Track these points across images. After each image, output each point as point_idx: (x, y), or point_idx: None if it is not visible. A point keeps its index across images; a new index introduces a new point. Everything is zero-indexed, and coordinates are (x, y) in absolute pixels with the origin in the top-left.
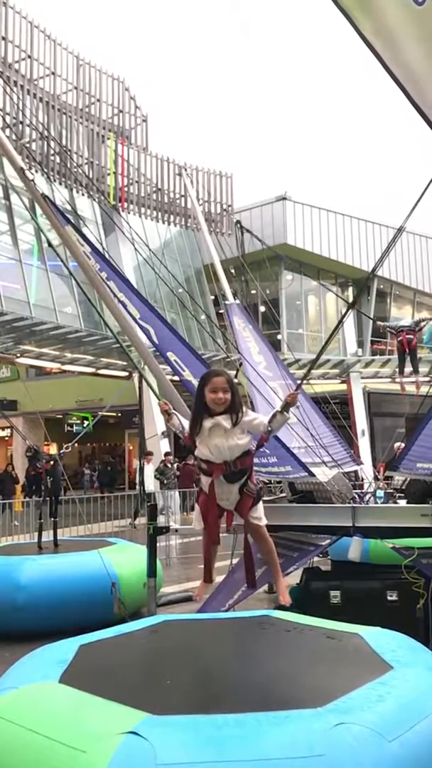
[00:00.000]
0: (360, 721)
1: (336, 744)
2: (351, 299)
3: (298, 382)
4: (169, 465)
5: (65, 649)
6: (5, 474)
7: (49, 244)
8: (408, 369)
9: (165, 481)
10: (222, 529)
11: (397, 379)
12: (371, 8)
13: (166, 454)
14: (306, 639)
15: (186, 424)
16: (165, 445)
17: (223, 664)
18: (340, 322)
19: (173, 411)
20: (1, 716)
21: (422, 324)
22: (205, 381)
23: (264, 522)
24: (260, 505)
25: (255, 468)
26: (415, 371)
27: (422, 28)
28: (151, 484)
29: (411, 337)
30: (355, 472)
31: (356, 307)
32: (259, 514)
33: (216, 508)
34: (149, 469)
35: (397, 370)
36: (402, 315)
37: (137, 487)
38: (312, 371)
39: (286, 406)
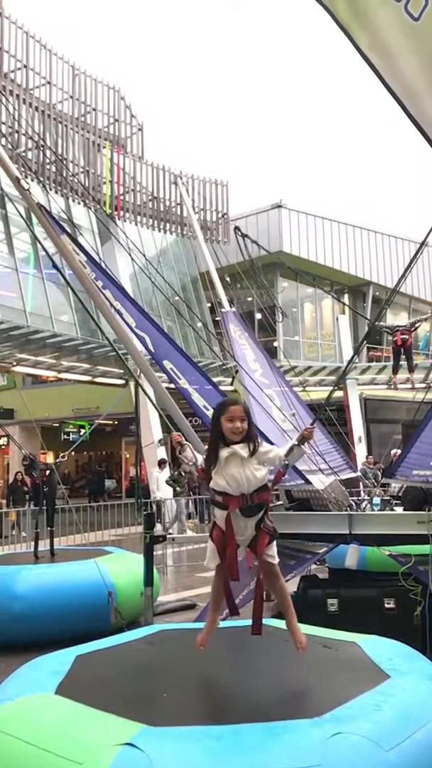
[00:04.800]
0: (357, 730)
1: (333, 754)
2: (346, 306)
3: (313, 417)
4: (183, 473)
5: (62, 659)
6: (14, 483)
7: (48, 254)
8: (403, 376)
9: (178, 489)
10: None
11: (392, 380)
12: (368, 23)
13: (179, 462)
14: None
15: (199, 456)
16: (162, 453)
17: (219, 674)
18: (364, 339)
19: (186, 443)
20: None
21: (417, 324)
22: (221, 410)
23: (277, 560)
24: (274, 543)
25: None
26: (410, 370)
27: (418, 42)
28: (164, 491)
29: (406, 336)
30: (375, 474)
31: (360, 313)
32: (273, 552)
33: (234, 543)
34: (163, 476)
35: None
36: (398, 322)
37: (152, 494)
38: (308, 378)
39: (303, 439)
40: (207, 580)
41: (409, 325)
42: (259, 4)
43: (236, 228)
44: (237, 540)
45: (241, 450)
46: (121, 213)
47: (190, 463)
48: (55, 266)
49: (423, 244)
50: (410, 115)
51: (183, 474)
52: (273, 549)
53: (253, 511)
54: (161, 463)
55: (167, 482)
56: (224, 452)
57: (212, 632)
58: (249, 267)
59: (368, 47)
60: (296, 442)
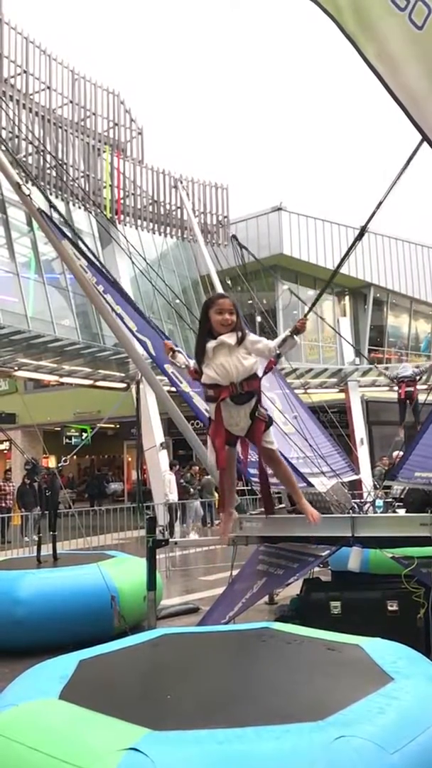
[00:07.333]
0: (361, 733)
1: (337, 757)
2: (347, 308)
3: (306, 310)
4: (194, 474)
5: (65, 664)
6: (23, 486)
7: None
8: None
9: (192, 490)
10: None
11: (399, 433)
12: (374, 33)
13: (191, 464)
14: (306, 651)
15: (191, 360)
16: (164, 456)
17: (223, 677)
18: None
19: (178, 349)
20: (0, 734)
21: (422, 375)
22: (210, 303)
23: (276, 446)
24: (271, 430)
25: (252, 480)
26: (417, 424)
27: (421, 49)
28: (175, 495)
29: (411, 389)
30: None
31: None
32: (271, 439)
33: (223, 432)
34: (174, 479)
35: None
36: (399, 324)
37: (165, 497)
38: (309, 380)
39: (296, 331)
40: (210, 583)
41: (413, 375)
42: (259, 2)
43: (233, 236)
44: (233, 431)
45: (228, 338)
46: (122, 217)
47: (182, 366)
48: (99, 266)
49: (363, 229)
50: (414, 120)
51: (194, 475)
52: (270, 435)
53: (243, 399)
54: (173, 466)
55: (182, 484)
56: (211, 343)
57: (229, 524)
58: (243, 274)
59: (375, 57)
60: (289, 333)
